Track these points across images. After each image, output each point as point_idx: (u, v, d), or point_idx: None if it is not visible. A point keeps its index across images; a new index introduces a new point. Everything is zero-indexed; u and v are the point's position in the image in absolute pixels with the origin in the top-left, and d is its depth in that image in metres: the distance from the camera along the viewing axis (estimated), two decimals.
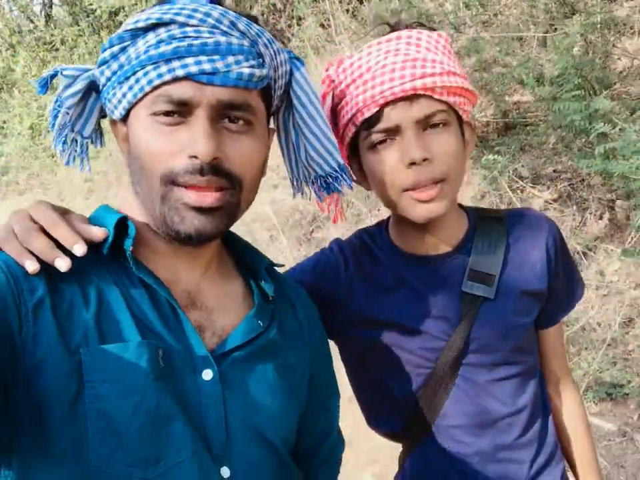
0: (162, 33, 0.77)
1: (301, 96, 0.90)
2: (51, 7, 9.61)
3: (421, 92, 0.97)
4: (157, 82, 0.75)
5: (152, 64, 0.75)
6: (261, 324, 0.88)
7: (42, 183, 8.30)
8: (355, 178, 1.11)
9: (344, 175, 0.98)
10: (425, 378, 1.12)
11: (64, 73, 0.83)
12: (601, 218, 3.58)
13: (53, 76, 0.85)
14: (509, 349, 1.10)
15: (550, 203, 3.74)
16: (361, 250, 1.18)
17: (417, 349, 1.11)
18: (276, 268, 1.00)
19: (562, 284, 1.17)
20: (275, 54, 0.84)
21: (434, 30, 1.06)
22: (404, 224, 1.11)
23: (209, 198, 0.77)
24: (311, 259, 1.21)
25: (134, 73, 0.77)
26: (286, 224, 5.32)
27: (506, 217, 1.16)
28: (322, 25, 5.38)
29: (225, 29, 0.78)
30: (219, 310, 0.87)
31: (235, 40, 0.78)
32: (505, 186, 3.68)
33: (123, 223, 0.80)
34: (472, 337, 1.09)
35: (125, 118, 0.82)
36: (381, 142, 1.00)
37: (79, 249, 0.72)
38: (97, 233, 0.77)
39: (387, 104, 0.97)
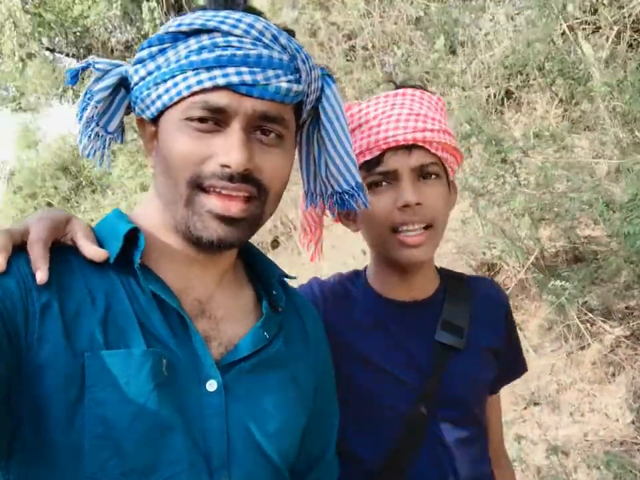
0: (205, 39, 0.77)
1: (329, 112, 0.91)
2: None
3: (420, 143, 1.06)
4: (195, 88, 0.76)
5: (192, 70, 0.76)
6: (267, 335, 0.87)
7: None
8: (343, 220, 1.19)
9: (360, 194, 0.98)
10: (393, 433, 1.10)
11: (96, 65, 0.83)
12: None
13: (85, 68, 0.85)
14: (473, 404, 1.14)
15: (622, 340, 3.50)
16: (339, 290, 1.22)
17: (386, 396, 1.11)
18: (287, 280, 0.99)
19: (511, 350, 1.26)
20: (310, 70, 0.85)
21: (433, 93, 1.18)
22: (384, 268, 1.18)
23: (234, 207, 0.78)
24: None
25: (172, 77, 0.77)
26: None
27: (467, 279, 1.26)
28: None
29: (267, 41, 0.78)
30: (228, 320, 0.87)
31: (276, 54, 0.79)
32: (574, 316, 3.50)
33: (133, 234, 0.79)
34: (442, 387, 1.10)
35: (155, 119, 0.83)
36: (378, 184, 1.08)
37: (38, 276, 0.70)
38: (96, 255, 0.77)
39: (388, 150, 1.06)
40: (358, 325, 1.16)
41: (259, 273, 0.95)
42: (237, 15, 0.79)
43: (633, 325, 3.52)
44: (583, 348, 3.56)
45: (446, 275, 1.25)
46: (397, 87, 1.16)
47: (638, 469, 2.74)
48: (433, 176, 1.09)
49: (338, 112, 0.91)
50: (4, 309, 0.67)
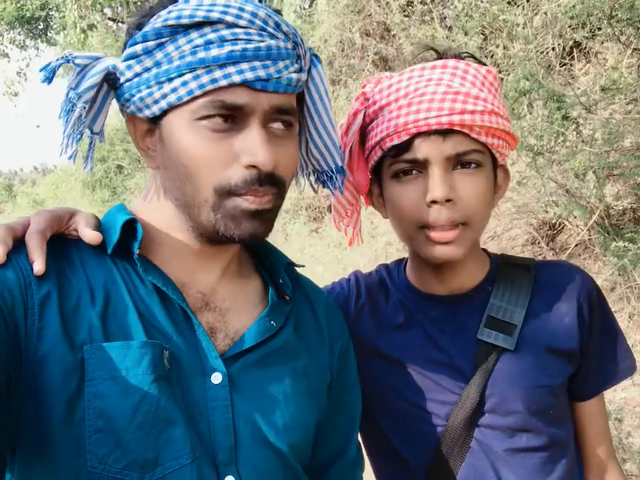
0: (209, 33, 0.73)
1: (313, 92, 0.87)
2: None
3: (458, 128, 0.92)
4: (209, 87, 0.73)
5: (204, 67, 0.73)
6: (274, 324, 0.85)
7: None
8: (375, 203, 1.08)
9: (337, 178, 0.95)
10: (436, 439, 1.01)
11: (76, 61, 0.77)
12: None
13: (61, 64, 0.79)
14: (529, 413, 0.98)
15: None
16: (376, 285, 1.14)
17: (426, 402, 1.01)
18: (296, 268, 0.97)
19: (599, 347, 1.05)
20: (305, 53, 0.83)
21: (484, 64, 1.00)
22: (419, 261, 1.06)
23: (265, 201, 0.78)
24: (328, 286, 1.18)
25: (180, 75, 0.73)
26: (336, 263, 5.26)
27: (535, 266, 1.08)
28: None
29: (272, 31, 0.75)
30: (234, 311, 0.86)
31: (282, 43, 0.76)
32: (637, 277, 3.39)
33: (131, 225, 0.79)
34: (488, 392, 0.99)
35: (154, 118, 0.79)
36: (406, 172, 0.96)
37: (35, 267, 0.71)
38: (90, 237, 0.77)
39: (418, 134, 0.93)
40: (389, 323, 1.08)
41: (266, 262, 0.94)
42: (238, 3, 0.74)
43: None
44: None
45: (501, 262, 1.09)
46: (439, 56, 1.00)
47: None
48: (473, 165, 0.94)
49: (322, 92, 0.87)
50: (3, 302, 0.67)
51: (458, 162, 0.94)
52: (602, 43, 4.37)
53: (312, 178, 1.00)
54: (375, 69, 6.45)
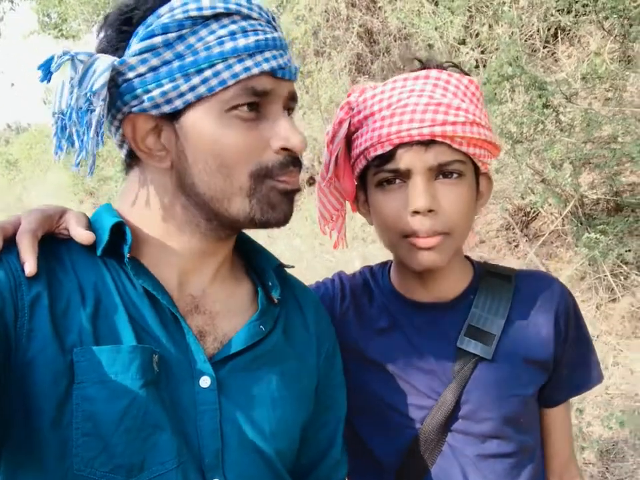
0: (229, 24, 0.75)
1: None
2: None
3: (439, 139, 0.93)
4: (243, 76, 0.74)
5: (235, 57, 0.74)
6: (263, 328, 0.85)
7: None
8: (361, 210, 1.10)
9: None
10: (408, 441, 1.02)
11: (78, 57, 0.73)
12: None
13: (64, 62, 0.74)
14: (502, 421, 1.00)
15: None
16: (360, 287, 1.14)
17: (403, 405, 1.03)
18: (287, 269, 0.97)
19: (571, 357, 1.06)
20: None
21: (466, 74, 1.01)
22: (403, 267, 1.06)
23: (296, 180, 0.82)
24: (312, 285, 1.18)
25: (211, 65, 0.73)
26: (314, 258, 5.28)
27: (514, 276, 1.09)
28: None
29: (274, 23, 0.80)
30: (224, 314, 0.85)
31: (278, 34, 0.80)
32: (606, 269, 3.42)
33: (120, 228, 0.78)
34: (463, 399, 1.00)
35: (170, 114, 0.76)
36: (389, 181, 0.97)
37: (27, 268, 0.70)
38: (82, 237, 0.77)
39: (401, 145, 0.94)
40: (372, 326, 1.08)
41: (255, 264, 0.93)
42: None
43: None
44: (613, 300, 3.50)
45: (484, 271, 1.10)
46: (422, 67, 1.01)
47: None
48: (455, 175, 0.95)
49: None
50: None
51: (440, 172, 0.95)
52: (586, 28, 4.33)
53: None
54: (360, 41, 6.34)
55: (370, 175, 1.01)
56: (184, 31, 0.73)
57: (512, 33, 4.12)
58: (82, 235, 0.76)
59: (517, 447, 1.02)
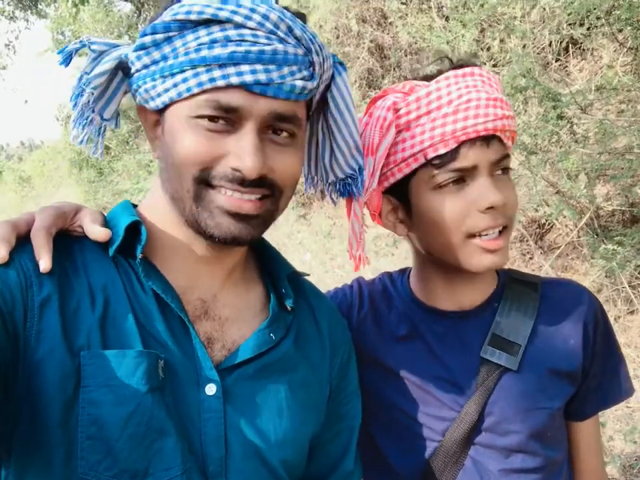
0: (216, 31, 0.72)
1: (339, 101, 0.86)
2: None
3: (498, 133, 0.93)
4: (207, 86, 0.72)
5: (204, 66, 0.72)
6: (273, 337, 0.84)
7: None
8: (387, 221, 1.05)
9: (359, 178, 0.93)
10: (429, 454, 0.99)
11: (92, 46, 0.78)
12: None
13: (79, 49, 0.80)
14: (528, 434, 0.97)
15: None
16: (380, 293, 1.12)
17: (422, 416, 1.00)
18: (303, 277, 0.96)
19: (600, 369, 1.04)
20: (324, 60, 0.80)
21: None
22: (431, 273, 1.04)
23: (248, 205, 0.75)
24: (330, 292, 1.16)
25: (182, 71, 0.73)
26: (325, 274, 5.24)
27: (541, 284, 1.06)
28: None
29: (282, 35, 0.74)
30: (233, 320, 0.84)
31: (291, 49, 0.74)
32: (624, 281, 3.38)
33: (135, 227, 0.78)
34: (487, 411, 0.98)
35: (159, 109, 0.79)
36: (453, 183, 0.93)
37: (41, 265, 0.70)
38: (99, 234, 0.76)
39: (465, 142, 0.91)
40: (392, 334, 1.06)
41: (271, 270, 0.92)
42: (249, 1, 0.73)
43: None
44: (632, 313, 3.46)
45: (508, 279, 1.08)
46: (455, 65, 0.99)
47: None
48: (504, 170, 0.96)
49: (348, 101, 0.86)
50: (3, 302, 0.67)
51: (495, 169, 0.94)
52: (598, 40, 4.33)
53: (331, 188, 0.98)
54: (370, 57, 6.37)
55: (423, 178, 0.96)
56: (172, 34, 0.74)
57: (524, 46, 4.13)
58: (98, 232, 0.76)
59: (543, 462, 0.99)
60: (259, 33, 0.73)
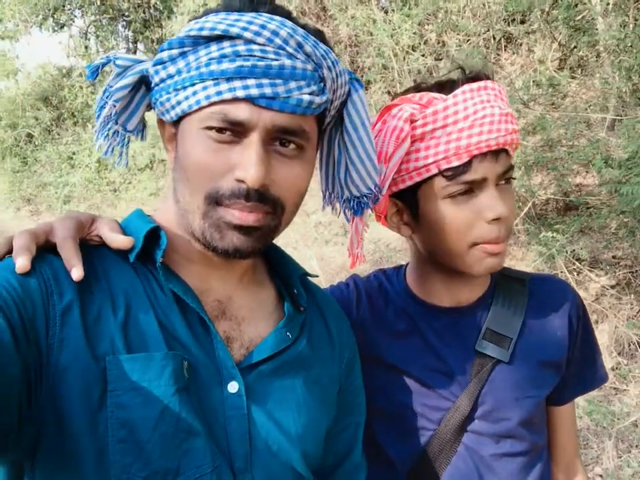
0: (226, 47, 0.75)
1: (355, 118, 0.87)
2: (135, 52, 10.26)
3: (507, 147, 0.96)
4: (214, 99, 0.74)
5: (212, 79, 0.74)
6: (290, 335, 0.86)
7: (101, 215, 8.61)
8: (392, 223, 1.08)
9: (377, 195, 0.96)
10: (425, 442, 1.05)
11: (117, 62, 0.81)
12: None
13: (105, 64, 0.83)
14: (517, 421, 1.03)
15: (607, 289, 3.62)
16: (376, 290, 1.15)
17: (419, 406, 1.05)
18: (310, 278, 0.98)
19: (581, 358, 1.11)
20: (337, 76, 0.82)
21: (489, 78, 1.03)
22: (430, 272, 1.08)
23: (251, 217, 0.77)
24: (327, 289, 1.17)
25: (192, 84, 0.76)
26: (331, 282, 5.31)
27: (528, 280, 1.12)
28: (389, 92, 5.53)
29: (291, 50, 0.75)
30: (249, 320, 0.86)
31: (299, 64, 0.75)
32: (562, 265, 3.60)
33: (154, 233, 0.79)
34: (480, 400, 1.03)
35: (175, 121, 0.81)
36: (462, 193, 0.97)
37: (75, 273, 0.71)
38: (122, 242, 0.77)
39: (476, 155, 0.95)
40: (391, 330, 1.09)
41: (280, 272, 0.94)
42: (262, 19, 0.75)
43: (619, 275, 3.63)
44: None
45: (499, 276, 1.12)
46: (469, 77, 1.00)
47: (617, 415, 2.91)
48: (508, 181, 0.98)
49: (364, 117, 0.87)
50: (24, 311, 0.67)
51: (502, 179, 0.98)
52: (530, 36, 4.53)
53: (345, 205, 0.99)
54: None
55: (434, 187, 0.99)
56: (186, 49, 0.76)
57: (459, 41, 4.27)
58: (121, 241, 0.77)
59: (529, 447, 1.05)
60: (267, 48, 0.74)
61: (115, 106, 0.82)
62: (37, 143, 10.72)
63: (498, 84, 1.01)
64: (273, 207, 0.78)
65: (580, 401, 2.94)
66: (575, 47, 3.94)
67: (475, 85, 0.97)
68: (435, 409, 1.04)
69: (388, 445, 1.07)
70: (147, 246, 0.78)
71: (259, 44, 0.74)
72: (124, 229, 0.81)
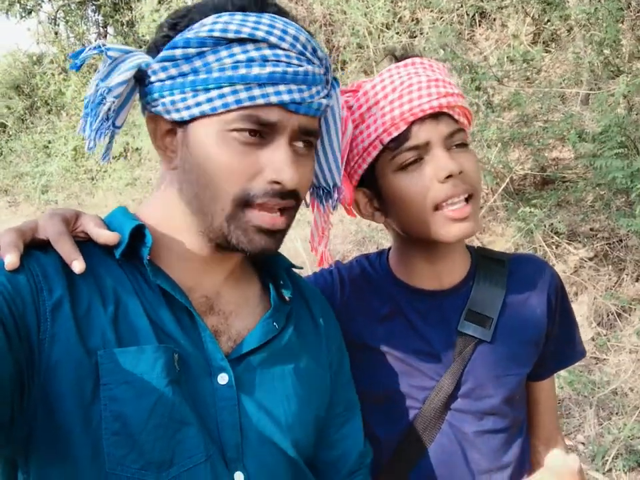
0: (251, 50, 0.75)
1: (329, 114, 0.91)
2: (105, 36, 10.06)
3: (445, 110, 0.99)
4: (247, 104, 0.75)
5: (244, 84, 0.75)
6: (277, 326, 0.88)
7: (80, 203, 8.52)
8: (363, 211, 1.11)
9: (335, 196, 1.00)
10: (410, 420, 1.08)
11: (109, 53, 0.78)
12: (637, 280, 3.50)
13: (92, 54, 0.80)
14: (500, 399, 1.06)
15: (585, 261, 3.68)
16: (359, 275, 1.16)
17: (405, 387, 1.08)
18: (295, 270, 1.00)
19: (559, 333, 1.14)
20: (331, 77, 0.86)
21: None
22: (411, 254, 1.11)
23: (279, 221, 0.80)
24: (310, 277, 1.19)
25: (219, 87, 0.75)
26: (315, 263, 5.33)
27: (508, 260, 1.15)
28: (365, 72, 5.50)
29: (309, 56, 0.78)
30: (236, 313, 0.88)
31: (317, 69, 0.79)
32: (541, 240, 3.65)
33: (139, 231, 0.79)
34: (463, 379, 1.06)
35: (182, 121, 0.79)
36: (411, 163, 0.99)
37: (77, 266, 0.72)
38: (109, 237, 0.78)
39: (414, 122, 0.98)
40: (375, 314, 1.11)
41: (265, 264, 0.96)
42: (280, 23, 0.77)
43: (597, 247, 3.69)
44: None
45: (480, 257, 1.15)
46: (399, 59, 1.05)
47: (597, 384, 2.98)
48: (463, 144, 1.01)
49: (336, 114, 0.91)
50: (15, 307, 0.67)
51: (451, 143, 1.00)
52: (504, 10, 4.53)
53: (313, 191, 1.02)
54: None
55: (385, 163, 1.02)
56: (205, 49, 0.75)
57: (432, 18, 4.26)
58: (107, 236, 0.77)
59: (510, 423, 1.08)
60: (291, 54, 0.77)
61: (114, 102, 0.80)
62: (10, 133, 10.54)
63: (429, 59, 1.06)
64: (296, 200, 0.82)
65: (561, 371, 3.00)
66: (548, 21, 3.95)
67: (400, 63, 1.03)
68: (420, 389, 1.06)
69: (375, 424, 1.08)
70: (132, 243, 0.78)
71: (283, 49, 0.76)
72: (108, 225, 0.81)
